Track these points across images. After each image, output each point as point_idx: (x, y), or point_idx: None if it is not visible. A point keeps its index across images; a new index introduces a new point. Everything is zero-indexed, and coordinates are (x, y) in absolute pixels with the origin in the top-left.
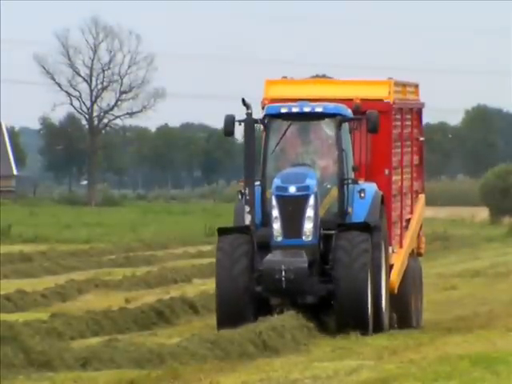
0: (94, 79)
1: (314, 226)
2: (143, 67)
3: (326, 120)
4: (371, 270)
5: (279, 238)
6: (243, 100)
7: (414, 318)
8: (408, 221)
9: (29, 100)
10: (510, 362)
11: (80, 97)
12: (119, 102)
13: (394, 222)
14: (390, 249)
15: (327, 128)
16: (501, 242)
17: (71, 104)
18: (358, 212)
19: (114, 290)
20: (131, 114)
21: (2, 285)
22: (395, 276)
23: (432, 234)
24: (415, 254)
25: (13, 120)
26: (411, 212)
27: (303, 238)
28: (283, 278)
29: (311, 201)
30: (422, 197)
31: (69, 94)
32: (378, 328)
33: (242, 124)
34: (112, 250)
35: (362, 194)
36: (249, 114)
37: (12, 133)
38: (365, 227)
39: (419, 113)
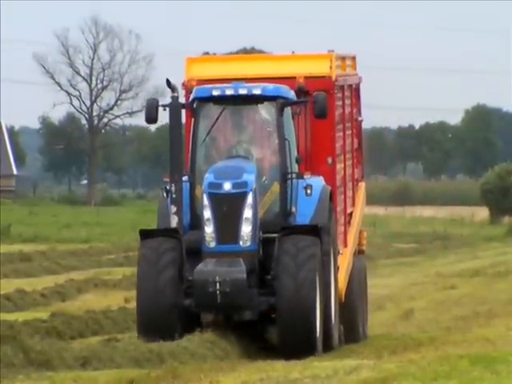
0: (93, 79)
1: (253, 229)
2: (143, 66)
3: (266, 104)
4: (320, 279)
5: (212, 244)
6: (168, 81)
7: (360, 329)
8: (350, 215)
9: (29, 99)
10: (509, 362)
11: (80, 96)
12: (119, 102)
13: (338, 219)
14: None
15: (267, 113)
16: (500, 241)
17: (71, 103)
18: (304, 211)
19: (114, 290)
20: (131, 114)
21: (1, 284)
22: (342, 281)
23: (432, 233)
24: (357, 252)
25: (13, 119)
26: (353, 204)
27: (240, 243)
28: (217, 292)
29: (249, 199)
30: (362, 185)
31: (68, 94)
32: (328, 346)
33: (167, 109)
34: (111, 249)
35: (309, 191)
36: (175, 98)
37: (12, 132)
38: (312, 229)
39: (358, 89)
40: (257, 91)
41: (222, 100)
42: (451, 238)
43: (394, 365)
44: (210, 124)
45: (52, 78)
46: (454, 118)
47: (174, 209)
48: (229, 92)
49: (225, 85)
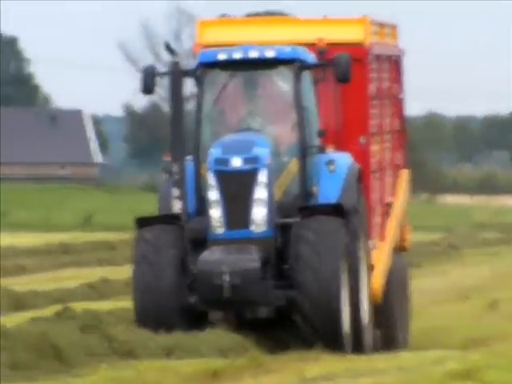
0: None
1: (268, 212)
2: None
3: (281, 68)
4: (346, 268)
5: (219, 230)
6: (167, 45)
7: (400, 334)
8: (389, 205)
9: (112, 87)
10: None
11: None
12: None
13: (374, 208)
14: (370, 243)
15: (282, 79)
16: None
17: None
18: (327, 192)
19: None
20: None
21: (85, 273)
22: (378, 280)
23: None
24: (398, 249)
25: (96, 108)
26: (393, 193)
27: (252, 228)
28: (226, 284)
29: (262, 177)
30: (405, 173)
31: None
32: (359, 347)
33: (167, 77)
34: None
35: (332, 167)
36: (175, 64)
37: (95, 120)
38: (337, 210)
39: (398, 63)
40: (270, 54)
41: (229, 65)
42: None
43: (479, 356)
44: (217, 93)
45: (135, 65)
46: None
47: (176, 193)
48: (237, 55)
49: (233, 48)
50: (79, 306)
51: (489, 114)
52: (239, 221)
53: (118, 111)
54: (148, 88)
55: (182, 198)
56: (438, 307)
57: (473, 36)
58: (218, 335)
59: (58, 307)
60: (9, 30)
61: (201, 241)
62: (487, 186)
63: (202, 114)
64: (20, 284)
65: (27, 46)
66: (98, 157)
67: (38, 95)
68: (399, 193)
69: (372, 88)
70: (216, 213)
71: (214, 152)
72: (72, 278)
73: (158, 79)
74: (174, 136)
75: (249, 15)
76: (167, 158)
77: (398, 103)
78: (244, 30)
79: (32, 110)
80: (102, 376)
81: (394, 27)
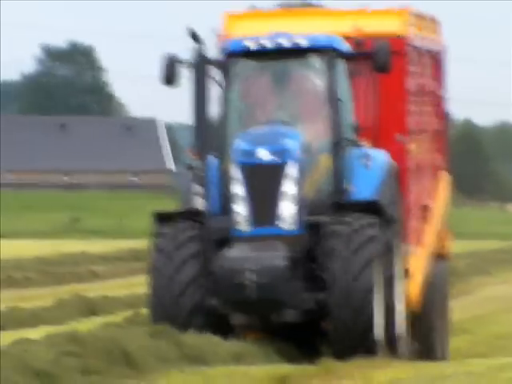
0: None
1: (297, 208)
2: None
3: (314, 57)
4: (381, 270)
5: (244, 226)
6: (191, 31)
7: (439, 348)
8: (428, 209)
9: (185, 96)
10: None
11: None
12: None
13: (411, 211)
14: (407, 248)
15: (315, 69)
16: None
17: None
18: (362, 189)
19: None
20: None
21: None
22: (415, 287)
23: None
24: (438, 257)
25: (170, 116)
26: (431, 196)
27: (279, 225)
28: (249, 283)
29: (292, 170)
30: (445, 175)
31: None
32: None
33: (190, 67)
34: None
35: (368, 162)
36: (200, 52)
37: (169, 129)
38: (371, 206)
39: (439, 59)
40: (302, 42)
41: (259, 54)
42: None
43: None
44: (244, 84)
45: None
46: None
47: (199, 189)
48: (267, 44)
49: (262, 36)
50: None
51: None
52: (265, 217)
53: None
54: (169, 78)
55: (205, 195)
56: (508, 314)
57: None
58: (287, 341)
59: (129, 313)
60: (85, 40)
61: (224, 240)
62: None
63: (228, 106)
64: (92, 290)
65: (103, 56)
66: (171, 165)
67: (112, 104)
68: (439, 196)
69: (411, 82)
70: (240, 208)
71: (239, 144)
72: (143, 284)
73: (180, 69)
74: (197, 130)
75: (281, 6)
76: (190, 154)
77: (438, 101)
78: (275, 23)
79: (108, 119)
80: (172, 381)
81: (435, 21)
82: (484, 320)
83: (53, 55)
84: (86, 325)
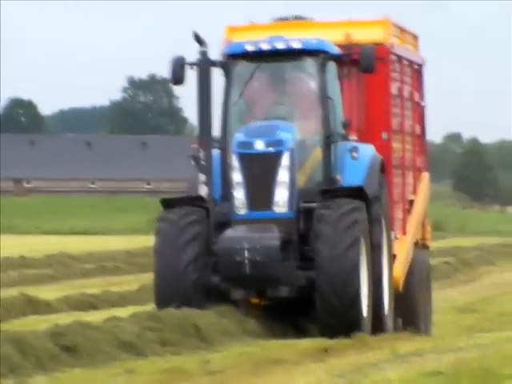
0: None
1: (290, 194)
2: None
3: (307, 59)
4: (368, 251)
5: (242, 211)
6: (196, 35)
7: (422, 324)
8: (411, 203)
9: None
10: None
11: None
12: None
13: (396, 202)
14: (393, 234)
15: (308, 70)
16: None
17: None
18: (350, 179)
19: None
20: None
21: None
22: (399, 269)
23: None
24: (420, 246)
25: None
26: (414, 192)
27: (274, 209)
28: (246, 261)
29: (285, 159)
30: (425, 176)
31: None
32: (379, 332)
33: (195, 68)
34: None
35: (355, 154)
36: (204, 54)
37: None
38: (357, 192)
39: (420, 71)
40: (296, 45)
41: (256, 56)
42: None
43: None
44: (244, 83)
45: None
46: None
47: (203, 178)
48: (265, 47)
49: (260, 39)
50: None
51: None
52: (262, 202)
53: None
54: (177, 79)
55: (208, 183)
56: (510, 296)
57: None
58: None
59: None
60: (162, 72)
61: (225, 223)
62: None
63: (229, 103)
64: None
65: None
66: None
67: (185, 125)
68: (420, 192)
69: (394, 87)
70: (239, 194)
71: (238, 136)
72: None
73: (187, 70)
74: (202, 125)
75: (276, 20)
76: (194, 146)
77: (419, 109)
78: (269, 35)
79: (181, 138)
80: (234, 351)
81: (415, 36)
82: (490, 301)
83: (136, 84)
84: None
